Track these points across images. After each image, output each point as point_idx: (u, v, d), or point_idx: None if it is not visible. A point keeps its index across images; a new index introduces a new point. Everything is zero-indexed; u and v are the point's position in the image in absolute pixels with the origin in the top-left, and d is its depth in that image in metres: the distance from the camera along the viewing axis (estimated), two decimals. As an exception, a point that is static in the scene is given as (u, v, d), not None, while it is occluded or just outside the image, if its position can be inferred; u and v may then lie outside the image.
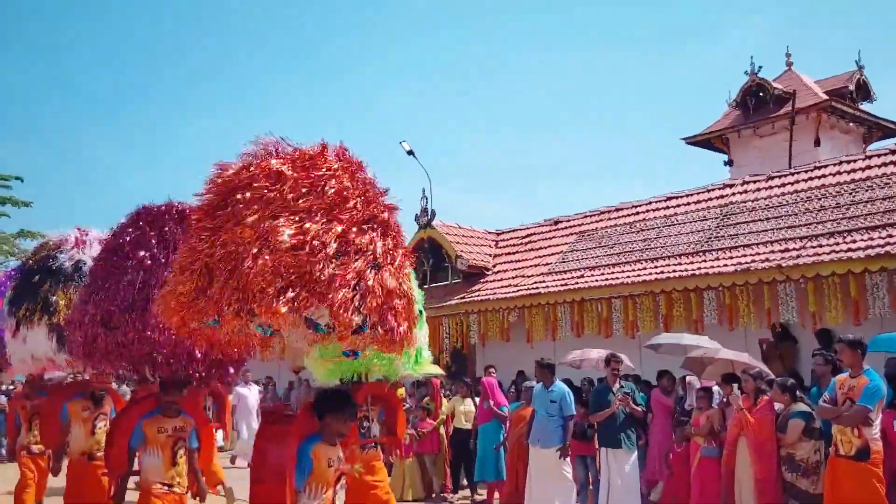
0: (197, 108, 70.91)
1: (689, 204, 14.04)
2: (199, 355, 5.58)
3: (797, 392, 7.04)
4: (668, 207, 14.34)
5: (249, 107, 69.92)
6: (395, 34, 70.01)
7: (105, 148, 63.85)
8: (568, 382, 9.51)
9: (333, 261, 3.74)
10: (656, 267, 12.37)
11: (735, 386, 7.60)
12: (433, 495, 10.67)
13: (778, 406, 7.25)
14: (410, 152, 17.85)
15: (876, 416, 5.86)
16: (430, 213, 16.76)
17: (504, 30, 66.82)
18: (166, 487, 5.72)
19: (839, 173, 12.23)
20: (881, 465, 5.88)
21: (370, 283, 3.81)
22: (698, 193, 14.21)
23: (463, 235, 17.01)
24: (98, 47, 65.78)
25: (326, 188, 3.92)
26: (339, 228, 3.83)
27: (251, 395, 14.48)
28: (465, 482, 11.22)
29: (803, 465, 6.70)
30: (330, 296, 3.68)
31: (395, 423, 6.83)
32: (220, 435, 12.45)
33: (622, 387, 8.62)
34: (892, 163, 11.66)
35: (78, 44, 65.11)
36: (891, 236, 9.80)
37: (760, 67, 21.31)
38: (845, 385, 6.05)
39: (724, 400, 7.87)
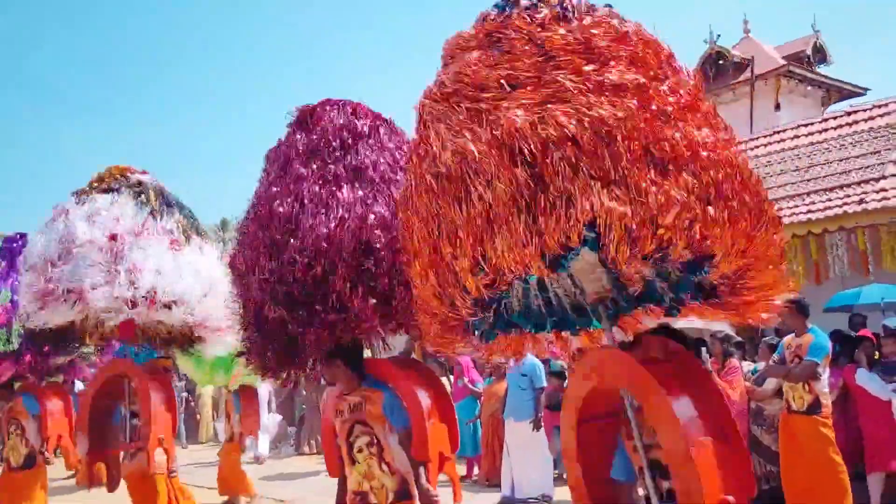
0: (159, 95, 69.80)
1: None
2: None
3: None
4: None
5: (211, 89, 68.93)
6: (371, 19, 69.34)
7: (56, 138, 62.60)
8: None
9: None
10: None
11: (703, 350, 7.73)
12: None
13: (752, 366, 7.47)
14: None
15: (823, 369, 6.08)
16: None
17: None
18: (358, 498, 3.93)
19: (797, 136, 12.39)
20: (830, 418, 6.09)
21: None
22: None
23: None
24: (45, 35, 64.36)
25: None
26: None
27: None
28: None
29: (769, 420, 6.95)
30: None
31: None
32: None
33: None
34: (846, 124, 11.85)
35: (25, 33, 63.62)
36: (847, 196, 10.00)
37: (719, 36, 21.42)
38: (792, 345, 6.28)
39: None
